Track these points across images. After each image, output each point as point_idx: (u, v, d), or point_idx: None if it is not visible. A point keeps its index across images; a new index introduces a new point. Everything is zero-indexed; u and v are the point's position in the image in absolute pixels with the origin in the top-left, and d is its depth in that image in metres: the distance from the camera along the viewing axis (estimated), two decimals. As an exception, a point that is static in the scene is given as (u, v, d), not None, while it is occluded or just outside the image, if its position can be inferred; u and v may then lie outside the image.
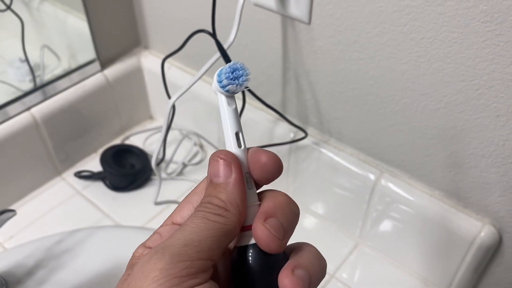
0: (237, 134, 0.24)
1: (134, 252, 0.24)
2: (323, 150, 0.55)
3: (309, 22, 0.48)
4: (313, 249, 0.24)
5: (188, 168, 0.67)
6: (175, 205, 0.60)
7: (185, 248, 0.20)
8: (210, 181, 0.23)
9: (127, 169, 0.64)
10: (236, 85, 0.23)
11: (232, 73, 0.23)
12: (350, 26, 0.45)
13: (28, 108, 0.60)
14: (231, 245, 0.24)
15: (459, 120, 0.43)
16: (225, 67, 0.23)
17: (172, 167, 0.66)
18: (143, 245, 0.24)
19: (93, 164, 0.67)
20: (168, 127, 0.54)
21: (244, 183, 0.23)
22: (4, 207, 0.57)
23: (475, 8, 0.37)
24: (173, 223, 0.25)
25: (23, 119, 0.59)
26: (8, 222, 0.60)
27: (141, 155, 0.65)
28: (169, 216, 0.25)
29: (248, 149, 0.24)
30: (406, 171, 0.50)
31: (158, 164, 0.64)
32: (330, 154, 0.55)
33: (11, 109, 0.59)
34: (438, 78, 0.42)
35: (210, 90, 0.63)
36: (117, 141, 0.71)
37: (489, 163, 0.44)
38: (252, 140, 0.60)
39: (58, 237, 0.56)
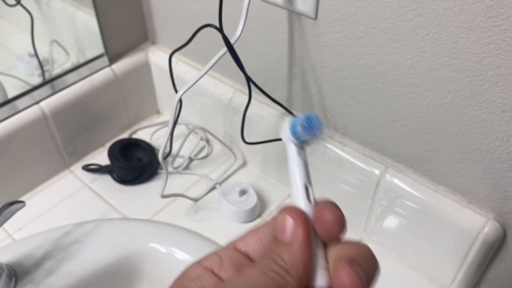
0: (306, 187, 0.23)
1: (188, 270, 0.23)
2: (328, 145, 0.55)
3: (316, 17, 0.48)
4: (368, 250, 0.22)
5: (194, 163, 0.68)
6: (182, 199, 0.61)
7: None
8: (276, 237, 0.22)
9: (134, 163, 0.64)
10: (310, 135, 0.22)
11: (308, 122, 0.22)
12: (356, 21, 0.45)
13: (37, 102, 0.61)
14: None
15: (463, 115, 0.43)
16: (300, 116, 0.22)
17: (178, 161, 0.67)
18: (200, 264, 0.23)
19: (101, 158, 0.68)
20: (175, 121, 0.54)
21: (310, 245, 0.22)
22: (13, 199, 0.58)
23: (481, 3, 0.37)
24: (235, 249, 0.24)
25: (32, 112, 0.60)
26: (17, 213, 0.61)
27: (148, 149, 0.66)
28: (232, 241, 0.25)
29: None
30: (411, 166, 0.51)
31: (165, 158, 0.64)
32: (335, 149, 0.55)
33: (20, 103, 0.59)
34: (443, 74, 0.42)
35: (217, 85, 0.64)
36: (124, 136, 0.72)
37: (494, 158, 0.44)
38: (258, 134, 0.60)
39: (66, 229, 0.57)
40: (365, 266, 0.21)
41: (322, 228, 0.22)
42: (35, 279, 0.52)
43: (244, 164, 0.68)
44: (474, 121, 0.43)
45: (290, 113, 0.56)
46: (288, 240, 0.22)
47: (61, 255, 0.54)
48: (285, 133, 0.23)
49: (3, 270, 0.51)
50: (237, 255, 0.24)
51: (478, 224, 0.47)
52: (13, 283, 0.51)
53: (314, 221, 0.22)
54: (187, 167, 0.67)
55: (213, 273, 0.23)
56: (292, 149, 0.23)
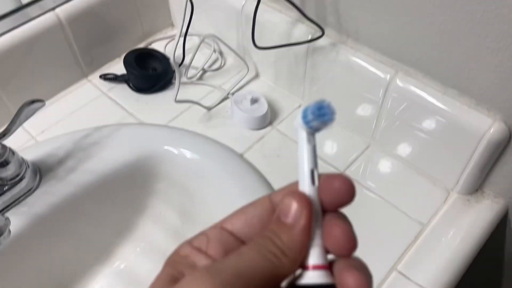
0: (312, 172, 0.24)
1: (178, 249, 0.24)
2: (340, 51, 0.55)
3: None
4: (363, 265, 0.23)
5: (208, 74, 0.69)
6: (196, 107, 0.63)
7: (236, 279, 0.20)
8: (278, 217, 0.23)
9: (149, 72, 0.66)
10: (320, 122, 0.23)
11: (319, 110, 0.23)
12: None
13: (53, 8, 0.61)
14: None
15: (477, 12, 0.43)
16: (311, 104, 0.23)
17: (192, 72, 0.68)
18: (189, 243, 0.24)
19: (117, 68, 0.69)
20: (188, 25, 0.55)
21: (310, 230, 0.23)
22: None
23: None
24: (222, 228, 0.25)
25: (48, 19, 0.61)
26: (40, 117, 0.64)
27: (162, 59, 0.67)
28: (219, 221, 0.25)
29: (320, 176, 0.24)
30: (421, 70, 0.51)
31: (179, 65, 0.66)
32: (347, 55, 0.55)
33: (34, 10, 0.60)
34: (458, -33, 0.41)
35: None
36: (139, 47, 0.73)
37: (505, 57, 0.43)
38: (269, 41, 0.60)
39: (85, 132, 0.60)
40: (368, 274, 0.22)
41: (330, 196, 0.23)
42: (58, 176, 0.56)
43: (256, 76, 0.68)
44: (488, 18, 0.42)
45: (302, 13, 0.55)
46: (290, 223, 0.23)
47: (81, 155, 0.57)
48: (297, 120, 0.24)
49: (28, 166, 0.54)
50: (224, 234, 0.24)
51: (485, 125, 0.47)
52: (38, 178, 0.55)
53: (322, 190, 0.23)
54: (200, 78, 0.68)
55: (201, 251, 0.23)
56: (302, 135, 0.24)
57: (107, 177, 0.57)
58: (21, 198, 0.54)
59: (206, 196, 0.57)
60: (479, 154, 0.49)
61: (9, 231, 0.46)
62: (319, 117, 0.23)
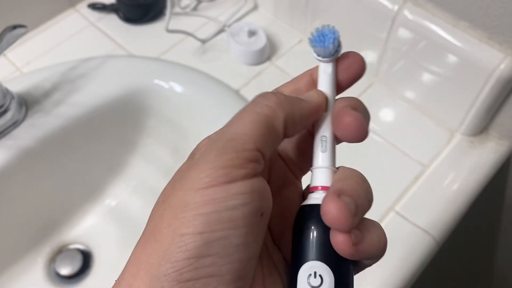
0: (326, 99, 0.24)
1: (198, 144, 0.24)
2: (344, -21, 0.51)
3: None
4: (359, 176, 0.22)
5: (203, 5, 0.64)
6: (190, 39, 0.59)
7: (230, 142, 0.20)
8: (297, 78, 0.24)
9: (140, 0, 0.62)
10: (322, 48, 0.23)
11: (319, 36, 0.23)
12: None
13: None
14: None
15: None
16: (315, 32, 0.23)
17: (186, 2, 0.64)
18: (208, 137, 0.24)
19: (106, -3, 0.65)
20: None
21: (322, 108, 0.23)
22: (18, 32, 0.57)
23: None
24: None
25: None
26: (25, 48, 0.61)
27: (154, -12, 0.62)
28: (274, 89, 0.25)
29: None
30: (431, 0, 0.47)
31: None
32: (352, -17, 0.51)
33: None
34: None
35: None
36: (130, -24, 0.68)
37: (524, -16, 0.40)
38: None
39: (73, 64, 0.57)
40: (365, 113, 0.23)
41: (344, 71, 0.24)
42: (44, 109, 0.53)
43: (255, 8, 0.64)
44: None
45: None
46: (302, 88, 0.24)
47: (68, 87, 0.55)
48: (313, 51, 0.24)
49: (14, 97, 0.52)
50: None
51: (495, 60, 0.44)
52: (24, 110, 0.53)
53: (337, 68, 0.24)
54: (195, 9, 0.64)
55: None
56: (320, 65, 0.24)
57: (95, 111, 0.54)
58: (7, 130, 0.52)
59: (199, 134, 0.55)
60: (487, 92, 0.46)
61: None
62: (320, 42, 0.23)
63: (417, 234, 0.46)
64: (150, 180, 0.58)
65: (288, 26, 0.62)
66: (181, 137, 0.56)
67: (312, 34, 0.23)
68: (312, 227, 0.21)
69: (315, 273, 0.21)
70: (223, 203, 0.19)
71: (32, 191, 0.54)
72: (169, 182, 0.22)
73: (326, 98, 0.23)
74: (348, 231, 0.20)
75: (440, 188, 0.49)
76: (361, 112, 0.23)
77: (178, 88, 0.55)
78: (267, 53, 0.59)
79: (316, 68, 0.24)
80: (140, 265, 0.20)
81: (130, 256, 0.21)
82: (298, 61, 0.59)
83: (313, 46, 0.23)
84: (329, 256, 0.21)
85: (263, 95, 0.22)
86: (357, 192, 0.21)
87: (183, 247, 0.19)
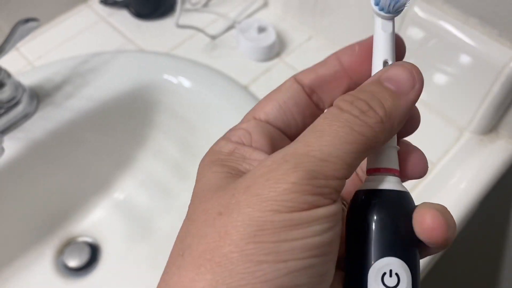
0: (385, 63, 0.20)
1: (215, 147, 0.21)
2: (354, -24, 0.51)
3: None
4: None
5: (213, 1, 0.65)
6: (200, 35, 0.60)
7: (322, 164, 0.17)
8: (378, 81, 0.19)
9: (151, -4, 0.62)
10: (390, 0, 0.19)
11: None
12: None
13: None
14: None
15: None
16: None
17: (197, -2, 0.64)
18: (227, 139, 0.21)
19: (118, -7, 0.66)
20: None
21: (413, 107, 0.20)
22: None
23: None
24: (255, 119, 0.22)
25: None
26: (37, 43, 0.61)
27: (165, -16, 0.63)
28: (249, 112, 0.22)
29: None
30: (441, -4, 0.47)
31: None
32: (361, -20, 0.51)
33: None
34: None
35: None
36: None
37: (535, -20, 0.40)
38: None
39: (84, 58, 0.57)
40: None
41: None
42: (55, 101, 0.54)
43: (265, 4, 0.64)
44: None
45: None
46: (396, 91, 0.19)
47: (79, 81, 0.55)
48: (372, 5, 0.20)
49: (25, 90, 0.53)
50: (262, 124, 0.21)
51: (505, 57, 0.44)
52: (35, 103, 0.53)
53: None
54: (205, 5, 0.64)
55: (245, 145, 0.20)
56: (377, 21, 0.20)
57: (105, 104, 0.55)
58: (18, 122, 0.52)
59: (207, 129, 0.55)
60: (497, 90, 0.46)
61: (2, 149, 0.45)
62: None
63: (424, 231, 0.46)
64: (158, 174, 0.59)
65: (298, 23, 0.62)
66: (189, 132, 0.57)
67: None
68: (385, 218, 0.18)
69: (390, 271, 0.18)
70: (308, 228, 0.16)
71: (42, 183, 0.55)
72: (211, 188, 0.18)
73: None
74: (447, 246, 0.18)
75: (447, 187, 0.49)
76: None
77: (186, 83, 0.55)
78: (276, 49, 0.59)
79: (344, 50, 0.21)
80: None
81: (160, 282, 0.17)
82: (307, 58, 0.59)
83: None
84: (405, 250, 0.18)
85: (359, 108, 0.18)
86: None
87: (261, 277, 0.16)
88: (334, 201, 0.17)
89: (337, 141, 0.17)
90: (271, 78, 0.57)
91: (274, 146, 0.21)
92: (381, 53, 0.20)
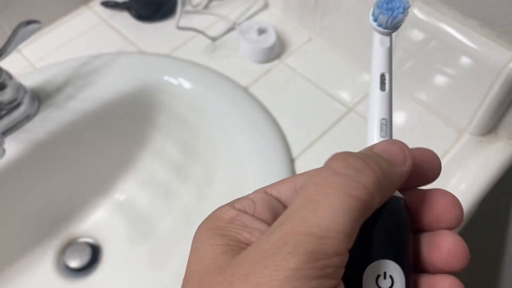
0: (382, 76, 0.21)
1: (217, 213, 0.20)
2: (354, -22, 0.52)
3: None
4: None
5: (214, 3, 0.65)
6: (200, 37, 0.60)
7: (323, 242, 0.16)
8: (372, 151, 0.20)
9: (152, -2, 0.63)
10: (388, 17, 0.20)
11: (387, 4, 0.20)
12: None
13: None
14: None
15: None
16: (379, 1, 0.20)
17: (196, 0, 0.65)
18: (231, 206, 0.20)
19: (119, -5, 0.66)
20: None
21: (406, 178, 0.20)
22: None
23: None
24: (266, 193, 0.21)
25: None
26: (38, 44, 0.62)
27: (166, -14, 0.63)
28: (262, 187, 0.22)
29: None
30: (440, -2, 0.47)
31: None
32: (361, -18, 0.51)
33: None
34: None
35: None
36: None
37: (533, -18, 0.40)
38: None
39: (85, 60, 0.58)
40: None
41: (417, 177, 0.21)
42: (57, 103, 0.54)
43: (265, 6, 0.65)
44: None
45: None
46: (389, 159, 0.19)
47: (80, 83, 0.56)
48: (370, 20, 0.21)
49: (27, 92, 0.53)
50: (270, 198, 0.21)
51: (504, 59, 0.44)
52: (36, 104, 0.54)
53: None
54: (206, 7, 0.65)
55: (247, 214, 0.20)
56: (375, 36, 0.21)
57: (106, 106, 0.55)
58: (20, 124, 0.53)
59: (208, 130, 0.56)
60: (496, 91, 0.46)
61: (4, 150, 0.45)
62: (388, 10, 0.20)
63: (423, 232, 0.46)
64: (159, 175, 0.59)
65: (298, 24, 0.62)
66: (190, 133, 0.57)
67: (378, 2, 0.20)
68: (379, 222, 0.18)
69: (385, 273, 0.18)
70: None
71: (43, 184, 0.55)
72: (210, 269, 0.17)
73: (408, 149, 0.20)
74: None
75: (447, 188, 0.48)
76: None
77: (187, 84, 0.56)
78: (276, 51, 0.59)
79: (301, 176, 0.21)
80: None
81: None
82: (307, 59, 0.59)
83: (380, 13, 0.20)
84: (400, 253, 0.18)
85: (353, 165, 0.18)
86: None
87: None
88: (336, 280, 0.17)
89: (334, 213, 0.17)
90: (271, 80, 0.58)
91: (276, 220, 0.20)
92: (379, 67, 0.21)
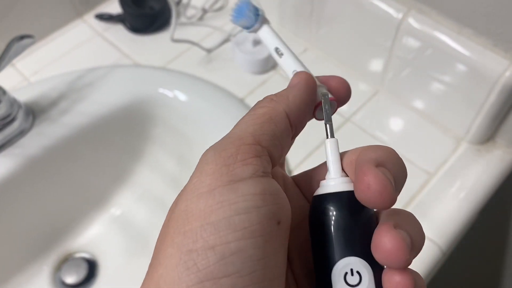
0: (277, 49, 0.25)
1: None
2: (348, -12, 0.52)
3: None
4: (411, 215, 0.20)
5: (208, 15, 0.65)
6: (195, 48, 0.60)
7: (228, 139, 0.19)
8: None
9: (146, 10, 0.62)
10: (245, 18, 0.24)
11: (237, 13, 0.24)
12: None
13: None
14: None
15: None
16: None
17: (191, 12, 0.64)
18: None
19: (113, 7, 0.66)
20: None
21: (307, 89, 0.23)
22: (27, 43, 0.58)
23: None
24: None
25: (38, -49, 0.57)
26: (33, 58, 0.61)
27: (160, -2, 0.63)
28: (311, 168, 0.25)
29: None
30: (435, 7, 0.47)
31: (177, 3, 0.62)
32: (356, -8, 0.51)
33: None
34: None
35: None
36: (137, -13, 0.69)
37: (528, -9, 0.40)
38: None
39: (79, 73, 0.57)
40: (393, 170, 0.19)
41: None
42: (51, 117, 0.54)
43: (260, 17, 0.65)
44: None
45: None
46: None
47: (75, 96, 0.55)
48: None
49: (21, 107, 0.52)
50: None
51: (500, 67, 0.44)
52: (30, 119, 0.53)
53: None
54: (201, 19, 0.64)
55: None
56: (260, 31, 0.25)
57: (101, 119, 0.55)
58: (14, 139, 0.52)
59: (204, 142, 0.55)
60: (493, 100, 0.46)
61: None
62: (238, 16, 0.24)
63: (423, 243, 0.45)
64: (155, 188, 0.59)
65: (293, 35, 0.62)
66: (186, 145, 0.57)
67: (231, 15, 0.24)
68: (338, 220, 0.19)
69: (351, 270, 0.19)
70: (232, 205, 0.16)
71: (38, 199, 0.55)
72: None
73: (306, 69, 0.24)
74: (404, 268, 0.17)
75: (446, 197, 0.48)
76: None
77: (182, 97, 0.55)
78: (272, 62, 0.59)
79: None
80: None
81: None
82: (303, 70, 0.59)
83: (237, 22, 0.24)
84: (364, 249, 0.19)
85: (258, 102, 0.22)
86: (412, 227, 0.19)
87: (193, 267, 0.15)
88: (259, 175, 0.17)
89: (240, 123, 0.20)
90: (267, 91, 0.57)
91: None
92: (271, 44, 0.25)
